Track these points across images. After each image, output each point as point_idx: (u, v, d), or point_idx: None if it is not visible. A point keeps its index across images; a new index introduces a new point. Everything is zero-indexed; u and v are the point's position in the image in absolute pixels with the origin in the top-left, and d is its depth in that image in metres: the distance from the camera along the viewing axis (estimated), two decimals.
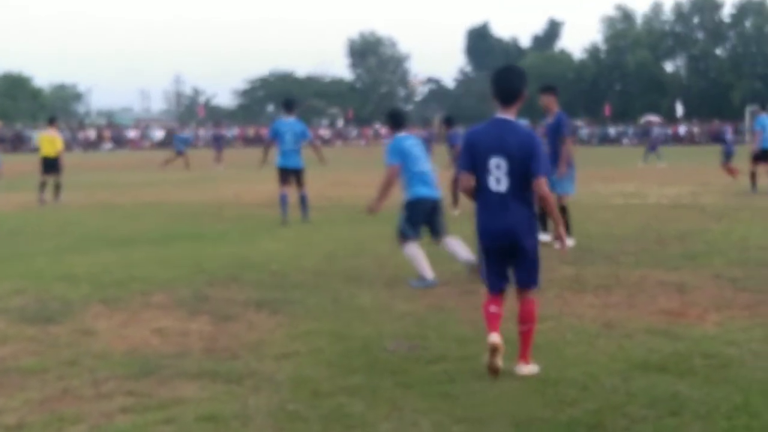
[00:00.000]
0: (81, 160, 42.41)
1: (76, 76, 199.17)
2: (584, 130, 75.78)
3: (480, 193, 6.15)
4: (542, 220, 12.20)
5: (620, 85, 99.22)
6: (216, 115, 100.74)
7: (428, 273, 9.39)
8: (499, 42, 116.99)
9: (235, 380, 5.90)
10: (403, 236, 9.62)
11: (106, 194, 23.43)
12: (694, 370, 5.99)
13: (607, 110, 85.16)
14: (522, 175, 5.99)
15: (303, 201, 15.80)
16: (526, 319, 6.19)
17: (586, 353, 6.49)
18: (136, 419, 5.14)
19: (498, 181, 6.04)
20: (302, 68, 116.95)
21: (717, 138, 53.29)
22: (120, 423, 5.08)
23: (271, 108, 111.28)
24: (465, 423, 4.98)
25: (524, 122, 7.00)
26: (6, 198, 22.17)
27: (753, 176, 21.07)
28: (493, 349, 5.86)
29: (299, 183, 15.70)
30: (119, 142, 76.34)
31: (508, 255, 6.14)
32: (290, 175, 15.60)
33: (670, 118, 78.66)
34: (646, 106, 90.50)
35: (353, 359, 6.35)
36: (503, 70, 6.65)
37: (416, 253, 9.52)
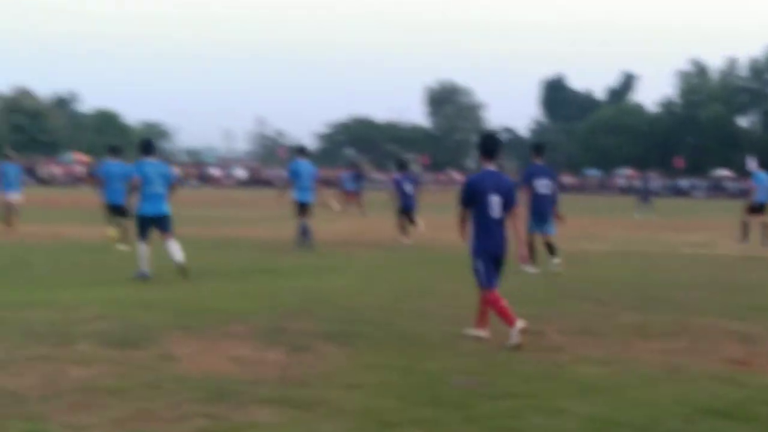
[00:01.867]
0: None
1: (164, 114, 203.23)
2: (656, 182, 74.92)
3: (481, 219, 8.61)
4: (532, 253, 13.88)
5: (693, 139, 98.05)
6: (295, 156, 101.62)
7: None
8: (573, 94, 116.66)
9: (306, 407, 5.99)
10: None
11: (188, 229, 23.81)
12: (759, 417, 5.95)
13: (679, 163, 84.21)
14: (508, 206, 8.65)
15: (308, 230, 18.26)
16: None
17: (649, 396, 6.46)
18: None
19: (494, 211, 8.58)
20: (381, 114, 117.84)
21: None
22: None
23: (350, 151, 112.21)
24: None
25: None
26: (88, 229, 22.68)
27: None
28: (524, 331, 8.22)
29: (304, 214, 18.40)
30: (203, 179, 77.58)
31: (497, 262, 8.69)
32: (307, 207, 18.44)
33: (743, 172, 77.40)
34: (718, 160, 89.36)
35: (420, 392, 6.41)
36: (490, 137, 9.69)
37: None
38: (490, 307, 8.64)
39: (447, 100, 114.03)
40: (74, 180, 70.87)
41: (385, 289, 11.93)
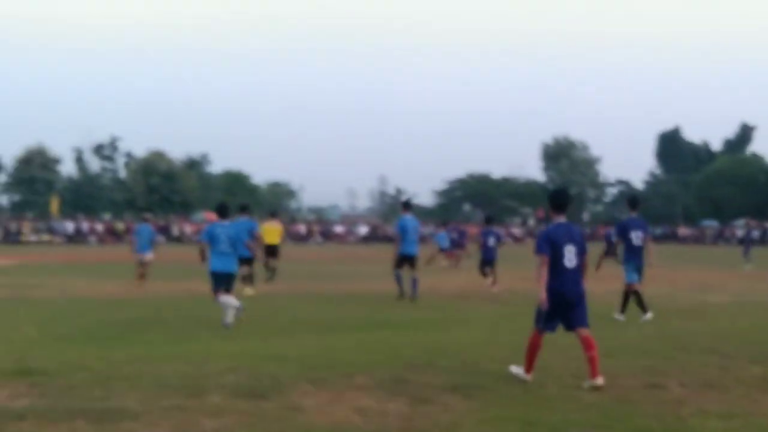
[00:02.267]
0: (292, 252, 43.80)
1: (290, 174, 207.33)
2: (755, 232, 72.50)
3: (555, 267, 8.89)
4: (639, 301, 15.07)
5: None
6: (416, 214, 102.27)
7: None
8: (689, 145, 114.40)
9: None
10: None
11: (313, 284, 24.16)
12: None
13: None
14: (581, 254, 9.03)
15: (415, 281, 18.87)
16: (593, 349, 8.84)
17: None
18: None
19: (570, 260, 8.93)
20: (498, 170, 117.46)
21: None
22: None
23: (467, 207, 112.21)
24: None
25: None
26: None
27: None
28: (526, 383, 8.85)
29: (413, 266, 19.31)
30: (327, 236, 78.52)
31: (567, 306, 8.99)
32: (407, 260, 19.36)
33: None
34: None
35: None
36: (560, 192, 9.95)
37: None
38: (528, 348, 9.10)
39: (562, 155, 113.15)
40: None
41: (506, 341, 11.80)
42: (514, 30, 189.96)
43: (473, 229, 50.20)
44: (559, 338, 12.07)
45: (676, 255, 39.97)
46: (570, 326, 9.11)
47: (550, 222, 9.42)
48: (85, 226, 70.73)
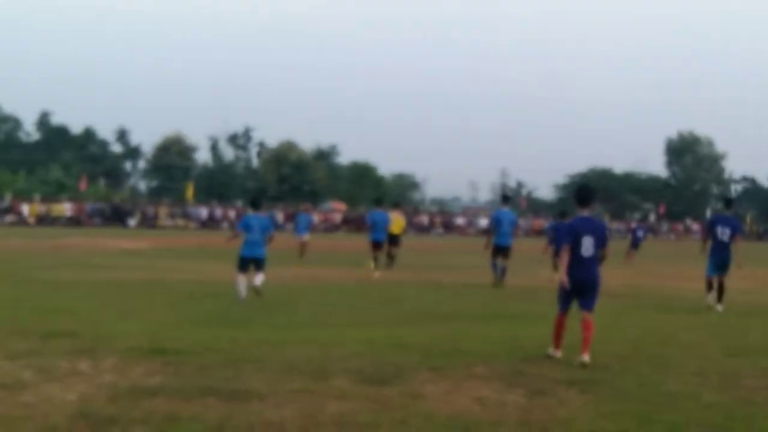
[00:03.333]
0: (414, 243, 43.87)
1: (415, 166, 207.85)
2: None
3: (574, 255, 9.75)
4: (719, 293, 15.59)
5: None
6: (536, 207, 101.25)
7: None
8: None
9: None
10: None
11: (435, 274, 24.16)
12: None
13: None
14: (599, 245, 9.84)
15: (504, 269, 20.37)
16: (588, 330, 9.63)
17: None
18: None
19: (587, 250, 9.76)
20: (620, 165, 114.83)
21: None
22: None
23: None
24: None
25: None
26: (344, 272, 23.45)
27: None
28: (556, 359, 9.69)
29: (506, 257, 20.47)
30: (449, 227, 78.35)
31: (581, 290, 9.81)
32: (500, 250, 20.48)
33: None
34: None
35: None
36: (584, 188, 10.33)
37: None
38: (554, 327, 10.00)
39: (687, 150, 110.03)
40: (332, 226, 73.44)
41: (624, 336, 11.57)
42: (639, 21, 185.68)
43: None
44: (680, 334, 11.78)
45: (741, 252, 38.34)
46: (579, 306, 9.90)
47: (575, 215, 10.25)
48: (218, 212, 72.47)
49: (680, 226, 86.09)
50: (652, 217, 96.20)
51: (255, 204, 17.10)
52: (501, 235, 20.63)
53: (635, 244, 35.45)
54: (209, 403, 7.09)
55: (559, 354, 9.80)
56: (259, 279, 15.75)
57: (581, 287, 9.83)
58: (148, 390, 7.53)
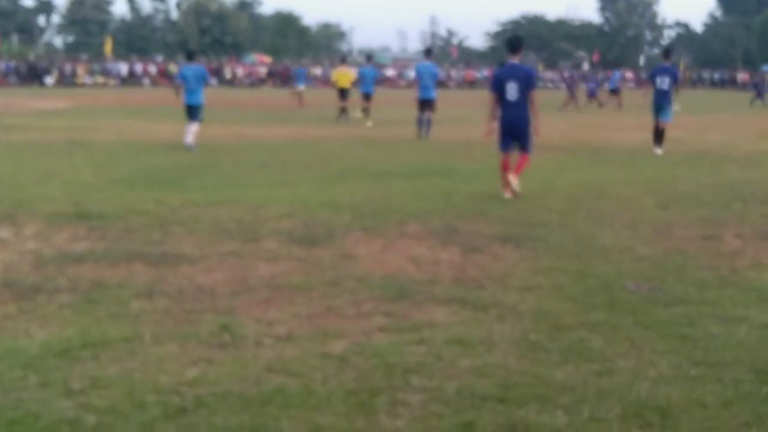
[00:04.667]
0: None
1: (341, 15, 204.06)
2: None
3: (502, 102, 11.04)
4: (659, 137, 17.57)
5: None
6: (468, 57, 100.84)
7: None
8: None
9: (481, 308, 6.00)
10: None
11: (365, 130, 24.09)
12: None
13: None
14: (524, 90, 10.93)
15: (429, 122, 21.03)
16: (522, 162, 11.12)
17: None
18: (392, 338, 5.34)
19: (512, 95, 10.94)
20: (553, 12, 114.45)
21: None
22: (377, 341, 5.29)
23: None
24: (703, 366, 4.85)
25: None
26: (271, 129, 23.26)
27: None
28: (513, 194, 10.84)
29: (431, 109, 21.09)
30: (378, 81, 77.73)
31: (512, 133, 11.13)
32: (425, 104, 21.16)
33: None
34: None
35: (594, 296, 6.31)
36: (514, 37, 11.82)
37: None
38: (500, 168, 11.26)
39: None
40: (257, 81, 72.41)
41: (559, 192, 11.73)
42: None
43: None
44: (615, 187, 12.00)
45: (735, 102, 39.08)
46: (519, 148, 11.29)
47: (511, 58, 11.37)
48: (138, 67, 70.82)
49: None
50: (585, 65, 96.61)
51: (190, 56, 19.83)
52: (423, 88, 21.37)
53: (592, 94, 36.07)
54: (137, 268, 7.06)
55: (508, 195, 10.92)
56: (191, 133, 17.27)
57: (513, 129, 11.14)
58: (73, 256, 7.45)
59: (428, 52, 24.11)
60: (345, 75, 28.54)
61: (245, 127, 23.91)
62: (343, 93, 28.12)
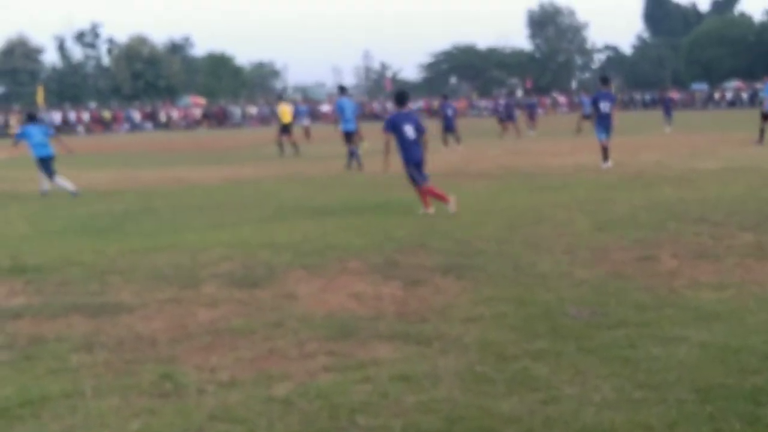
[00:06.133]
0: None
1: (273, 54, 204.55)
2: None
3: (403, 142, 12.88)
4: (606, 153, 19.70)
5: None
6: (406, 87, 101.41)
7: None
8: (677, 7, 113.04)
9: (424, 342, 5.99)
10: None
11: (300, 166, 24.06)
12: None
13: None
14: (418, 132, 12.98)
15: (354, 153, 22.24)
16: (429, 192, 12.86)
17: None
18: (337, 378, 5.30)
19: (410, 135, 12.85)
20: (483, 41, 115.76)
21: None
22: (322, 381, 5.25)
23: (453, 80, 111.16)
24: (646, 388, 4.89)
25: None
26: (208, 172, 23.12)
27: None
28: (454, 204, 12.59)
29: (354, 141, 22.43)
30: (314, 116, 77.83)
31: (418, 166, 12.87)
32: (349, 135, 22.55)
33: None
34: None
35: (536, 324, 6.33)
36: (401, 92, 14.04)
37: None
38: (429, 195, 12.75)
39: (549, 22, 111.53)
40: (192, 123, 72.04)
41: (496, 219, 11.80)
42: None
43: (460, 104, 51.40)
44: (551, 212, 12.11)
45: (666, 121, 39.80)
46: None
47: (399, 110, 13.33)
48: (72, 115, 70.10)
49: (548, 100, 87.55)
50: (519, 92, 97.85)
51: (32, 117, 20.85)
52: (346, 121, 22.83)
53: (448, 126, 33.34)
54: (75, 321, 6.94)
55: (431, 210, 12.69)
56: (63, 182, 18.29)
57: (417, 163, 12.88)
58: (9, 312, 7.32)
59: (342, 89, 25.22)
60: (286, 111, 30.48)
61: (182, 170, 23.75)
62: (285, 128, 29.77)
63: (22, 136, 19.47)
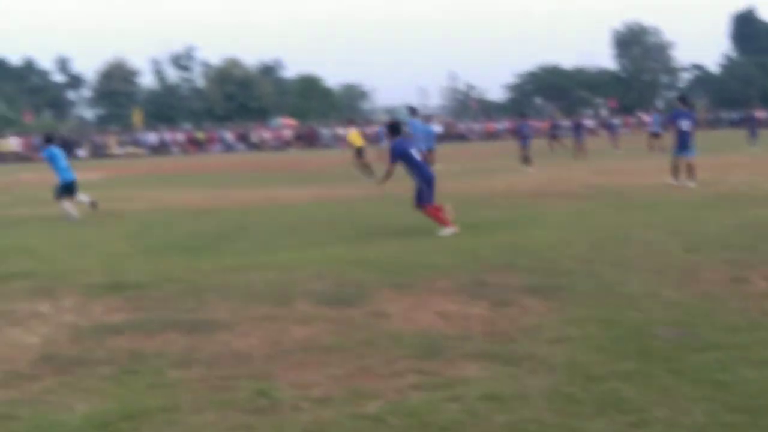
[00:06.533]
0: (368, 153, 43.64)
1: (362, 76, 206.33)
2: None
3: (414, 165, 13.42)
4: (690, 172, 19.72)
5: None
6: (488, 109, 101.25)
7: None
8: (764, 26, 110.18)
9: (512, 362, 5.95)
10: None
11: (390, 186, 24.12)
12: None
13: None
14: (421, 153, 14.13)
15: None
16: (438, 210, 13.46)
17: None
18: (426, 396, 5.30)
19: (419, 156, 13.68)
20: (568, 60, 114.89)
21: None
22: (412, 399, 5.26)
23: (539, 100, 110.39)
24: (739, 413, 4.77)
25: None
26: (299, 191, 23.37)
27: None
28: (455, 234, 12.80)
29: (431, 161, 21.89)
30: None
31: (430, 184, 13.38)
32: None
33: None
34: None
35: (624, 345, 6.24)
36: (393, 123, 14.43)
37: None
38: (434, 215, 13.20)
39: (634, 41, 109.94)
40: (283, 144, 72.94)
41: (583, 239, 11.67)
42: None
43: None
44: (640, 232, 11.92)
45: (750, 141, 38.87)
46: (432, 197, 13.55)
47: (393, 140, 13.85)
48: (167, 136, 71.65)
49: (633, 119, 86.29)
50: (603, 112, 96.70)
51: (50, 139, 19.34)
52: (416, 141, 22.51)
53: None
54: (173, 337, 7.07)
55: (457, 228, 12.95)
56: (85, 197, 18.44)
57: (431, 182, 13.44)
58: (110, 328, 7.48)
59: (413, 111, 25.88)
60: (356, 135, 30.29)
61: (273, 190, 24.05)
62: (359, 152, 29.27)
63: (51, 158, 18.40)
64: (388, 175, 14.13)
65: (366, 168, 28.30)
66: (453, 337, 6.73)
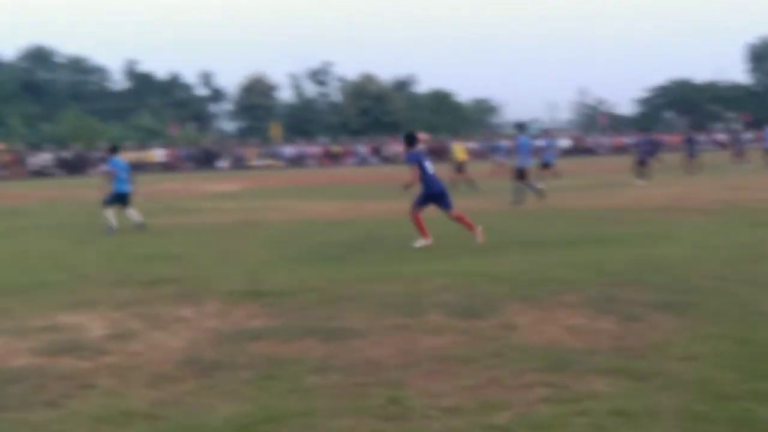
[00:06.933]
0: (496, 168, 43.53)
1: (493, 91, 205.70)
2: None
3: (425, 174, 13.98)
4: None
5: None
6: (617, 123, 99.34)
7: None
8: None
9: (642, 378, 5.82)
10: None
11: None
12: None
13: None
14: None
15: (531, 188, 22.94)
16: (460, 219, 14.17)
17: None
18: (554, 409, 5.24)
19: (430, 169, 14.01)
20: (700, 75, 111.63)
21: None
22: (541, 412, 5.21)
23: (669, 115, 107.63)
24: None
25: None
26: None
27: None
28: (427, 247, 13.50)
29: (527, 178, 23.01)
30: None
31: (439, 197, 14.18)
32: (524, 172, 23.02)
33: None
34: None
35: (759, 364, 6.02)
36: (409, 134, 14.59)
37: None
38: (416, 224, 14.01)
39: None
40: None
41: (714, 255, 11.32)
42: None
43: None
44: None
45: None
46: (444, 210, 14.27)
47: (409, 150, 14.28)
48: (304, 149, 73.01)
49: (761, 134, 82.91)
50: (735, 126, 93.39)
51: (115, 150, 19.65)
52: (522, 158, 23.26)
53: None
54: (309, 344, 7.19)
55: (430, 241, 13.76)
56: (136, 215, 18.53)
57: (439, 195, 14.01)
58: (250, 333, 7.67)
59: (521, 127, 26.99)
60: (460, 149, 31.35)
61: (405, 202, 24.10)
62: (460, 167, 30.46)
63: (115, 167, 18.82)
64: (413, 181, 14.25)
65: (469, 181, 29.50)
66: (581, 351, 6.63)
